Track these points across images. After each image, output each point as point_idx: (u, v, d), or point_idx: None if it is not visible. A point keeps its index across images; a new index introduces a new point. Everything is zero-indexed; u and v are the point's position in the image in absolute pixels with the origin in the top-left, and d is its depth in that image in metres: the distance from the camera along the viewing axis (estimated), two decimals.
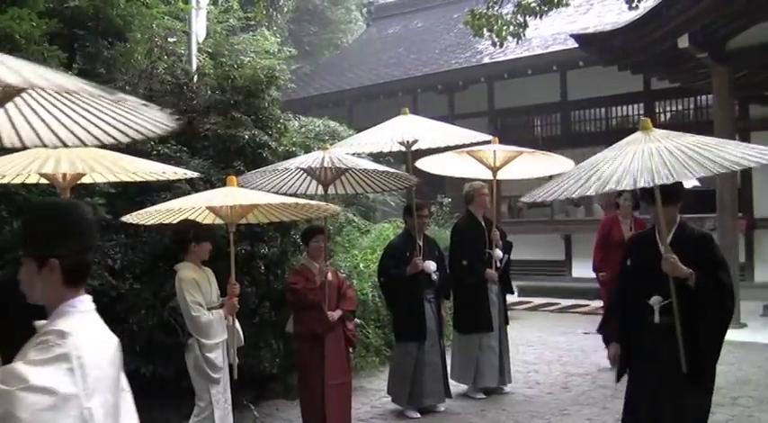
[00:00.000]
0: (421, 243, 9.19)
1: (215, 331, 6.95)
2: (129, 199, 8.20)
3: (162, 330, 8.48)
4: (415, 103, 23.35)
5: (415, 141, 9.35)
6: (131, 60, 10.59)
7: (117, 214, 8.07)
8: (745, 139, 17.16)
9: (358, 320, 10.82)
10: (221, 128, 9.83)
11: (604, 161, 5.39)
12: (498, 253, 9.68)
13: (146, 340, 8.41)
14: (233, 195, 6.85)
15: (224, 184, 7.31)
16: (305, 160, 8.06)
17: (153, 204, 8.54)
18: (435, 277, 9.17)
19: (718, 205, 14.38)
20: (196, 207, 7.12)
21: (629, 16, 14.08)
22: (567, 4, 12.70)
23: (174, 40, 12.55)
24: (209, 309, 6.94)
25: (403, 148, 9.46)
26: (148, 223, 7.41)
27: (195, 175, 7.64)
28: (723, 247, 14.08)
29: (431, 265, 9.10)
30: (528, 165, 10.05)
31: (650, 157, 5.11)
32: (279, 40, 20.72)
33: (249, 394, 9.17)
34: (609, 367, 9.37)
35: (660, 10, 13.61)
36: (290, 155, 10.18)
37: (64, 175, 6.02)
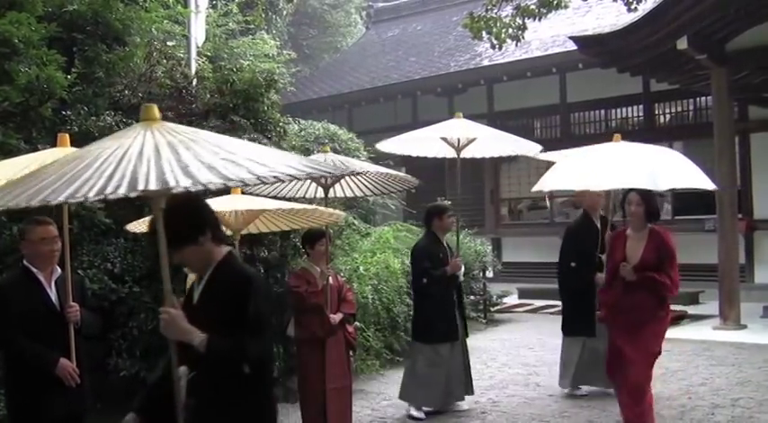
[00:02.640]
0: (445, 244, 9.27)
1: None
2: (127, 203, 8.18)
3: (162, 334, 8.49)
4: (415, 105, 23.39)
5: (469, 143, 9.38)
6: (130, 64, 10.60)
7: (116, 219, 8.09)
8: (745, 140, 17.22)
9: (358, 324, 10.81)
10: (221, 131, 9.81)
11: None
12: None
13: (146, 344, 8.42)
14: (240, 202, 6.88)
15: (223, 191, 7.30)
16: None
17: (150, 208, 8.52)
18: (462, 278, 9.31)
19: (718, 206, 14.38)
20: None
21: (627, 18, 14.07)
22: (566, 7, 12.68)
23: (173, 43, 12.57)
24: None
25: (452, 151, 9.50)
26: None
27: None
28: (723, 248, 14.14)
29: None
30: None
31: None
32: (278, 43, 20.75)
33: None
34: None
35: (659, 12, 13.62)
36: None
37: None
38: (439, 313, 9.07)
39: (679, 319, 15.40)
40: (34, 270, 5.65)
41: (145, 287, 8.63)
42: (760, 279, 17.12)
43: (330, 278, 7.92)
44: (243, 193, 7.19)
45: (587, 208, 9.94)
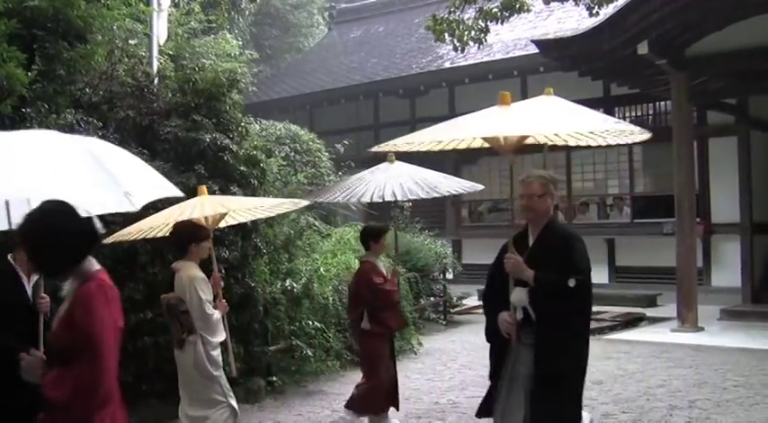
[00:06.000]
0: None
1: (220, 330, 6.99)
2: None
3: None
4: (377, 107, 23.41)
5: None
6: (91, 62, 10.49)
7: None
8: (703, 145, 17.38)
9: (318, 325, 10.83)
10: (182, 131, 9.79)
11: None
12: None
13: None
14: (209, 205, 7.21)
15: (185, 188, 7.36)
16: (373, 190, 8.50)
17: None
18: None
19: (677, 210, 14.53)
20: (169, 222, 7.14)
21: (589, 23, 14.17)
22: (528, 10, 12.76)
23: (135, 42, 12.47)
24: None
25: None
26: (130, 240, 7.56)
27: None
28: (681, 251, 14.29)
29: None
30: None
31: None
32: (240, 43, 20.59)
33: None
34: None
35: (620, 17, 13.73)
36: (251, 158, 10.15)
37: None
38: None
39: (637, 321, 15.57)
40: (17, 268, 5.86)
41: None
42: (717, 282, 17.29)
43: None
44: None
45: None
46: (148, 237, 7.48)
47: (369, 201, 8.68)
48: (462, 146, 6.52)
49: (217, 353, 6.97)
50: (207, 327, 6.86)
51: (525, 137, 5.97)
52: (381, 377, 8.42)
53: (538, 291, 5.33)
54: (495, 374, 5.69)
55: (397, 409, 8.76)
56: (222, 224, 7.79)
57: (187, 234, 6.99)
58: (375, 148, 6.93)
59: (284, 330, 10.41)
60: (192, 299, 6.79)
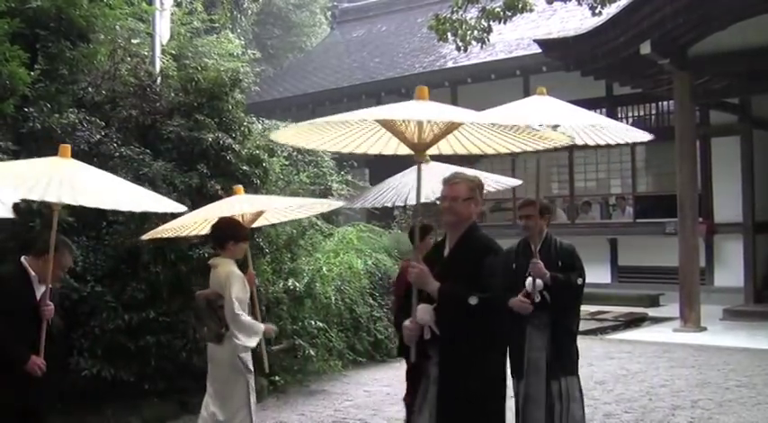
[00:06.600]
0: None
1: (253, 333, 6.89)
2: None
3: (124, 333, 8.45)
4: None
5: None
6: (94, 61, 10.50)
7: (78, 216, 8.04)
8: (706, 144, 17.37)
9: (321, 324, 10.81)
10: (184, 130, 9.78)
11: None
12: None
13: (107, 343, 8.37)
14: (247, 203, 7.42)
15: (188, 187, 7.40)
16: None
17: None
18: None
19: (679, 210, 14.53)
20: (208, 219, 7.22)
21: (592, 22, 14.17)
22: (531, 10, 12.74)
23: (138, 41, 12.47)
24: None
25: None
26: (168, 236, 7.69)
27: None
28: (684, 251, 14.28)
29: None
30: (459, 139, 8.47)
31: None
32: (243, 42, 20.63)
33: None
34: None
35: (623, 16, 13.73)
36: (254, 158, 10.15)
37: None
38: None
39: (639, 320, 15.57)
40: (32, 274, 5.87)
41: (107, 286, 8.57)
42: (720, 282, 17.28)
43: None
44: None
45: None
46: (190, 234, 7.59)
47: (402, 204, 8.59)
48: (374, 150, 5.99)
49: (246, 356, 6.89)
50: (236, 326, 6.78)
51: (438, 136, 5.24)
52: None
53: (439, 306, 4.86)
54: (408, 393, 5.43)
55: None
56: (256, 224, 7.81)
57: (228, 231, 6.97)
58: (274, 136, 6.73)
59: (287, 330, 10.40)
60: (228, 295, 6.76)
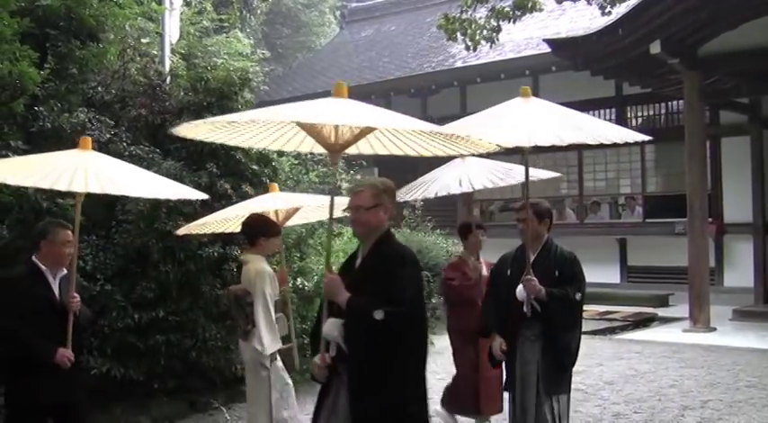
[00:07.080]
0: None
1: (273, 335, 6.86)
2: (99, 200, 8.13)
3: (133, 332, 8.46)
4: (388, 106, 23.27)
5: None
6: (104, 61, 10.52)
7: (87, 215, 8.04)
8: (716, 144, 17.33)
9: None
10: None
11: None
12: None
13: (117, 342, 8.38)
14: (281, 200, 7.52)
15: (197, 186, 7.43)
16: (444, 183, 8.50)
17: (123, 205, 8.63)
18: None
19: (689, 210, 14.50)
20: (243, 214, 7.23)
21: (601, 22, 14.15)
22: (540, 9, 12.73)
23: (147, 41, 12.51)
24: None
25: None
26: (203, 232, 7.83)
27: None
28: (693, 251, 14.26)
29: None
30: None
31: None
32: (252, 42, 20.71)
33: (221, 397, 9.16)
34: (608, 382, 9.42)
35: (632, 16, 13.71)
36: (263, 158, 10.16)
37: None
38: None
39: (649, 321, 15.54)
40: (43, 268, 5.85)
41: (116, 285, 8.58)
42: (729, 282, 17.23)
43: (484, 269, 8.17)
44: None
45: None
46: (226, 231, 7.73)
47: (445, 193, 8.52)
48: (289, 147, 5.82)
49: (265, 360, 6.82)
50: (264, 325, 6.72)
51: (357, 136, 4.98)
52: (457, 375, 8.41)
53: (345, 320, 4.57)
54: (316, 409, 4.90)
55: (480, 414, 8.37)
56: (290, 223, 7.83)
57: (258, 227, 6.98)
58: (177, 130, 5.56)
59: (296, 329, 10.40)
60: (257, 292, 6.75)
